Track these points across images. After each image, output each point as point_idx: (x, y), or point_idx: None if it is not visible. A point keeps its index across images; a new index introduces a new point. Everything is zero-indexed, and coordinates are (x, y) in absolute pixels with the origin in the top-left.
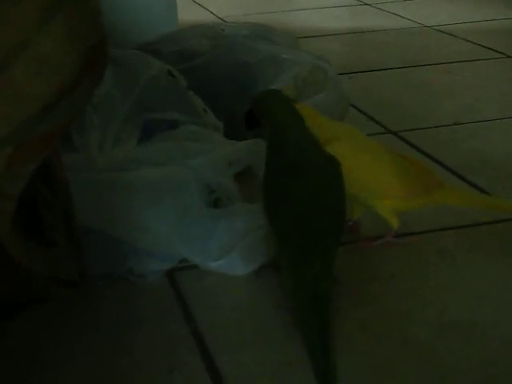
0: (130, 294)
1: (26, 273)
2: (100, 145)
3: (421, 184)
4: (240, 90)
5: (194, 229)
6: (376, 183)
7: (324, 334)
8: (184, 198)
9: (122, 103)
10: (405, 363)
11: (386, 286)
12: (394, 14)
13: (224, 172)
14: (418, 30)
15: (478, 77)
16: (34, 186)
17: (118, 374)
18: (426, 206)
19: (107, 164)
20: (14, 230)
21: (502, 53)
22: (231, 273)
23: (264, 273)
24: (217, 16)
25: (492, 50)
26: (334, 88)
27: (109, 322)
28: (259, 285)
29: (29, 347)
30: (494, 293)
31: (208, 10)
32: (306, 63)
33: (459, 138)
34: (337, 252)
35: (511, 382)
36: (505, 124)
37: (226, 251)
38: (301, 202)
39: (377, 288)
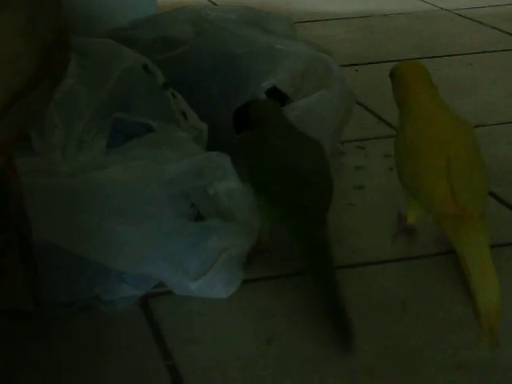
0: (97, 324)
1: None
2: (63, 148)
3: (464, 198)
4: (228, 85)
5: (170, 244)
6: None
7: (331, 281)
8: (160, 208)
9: (89, 101)
10: None
11: (396, 317)
12: None
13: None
14: (436, 13)
15: (505, 70)
16: None
17: None
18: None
19: (71, 170)
20: None
21: None
22: (211, 296)
23: (248, 297)
24: None
25: None
26: (336, 84)
27: (70, 359)
28: (243, 312)
29: None
30: None
31: None
32: (305, 55)
33: (480, 143)
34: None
35: None
36: None
37: (206, 270)
38: (282, 155)
39: (386, 319)
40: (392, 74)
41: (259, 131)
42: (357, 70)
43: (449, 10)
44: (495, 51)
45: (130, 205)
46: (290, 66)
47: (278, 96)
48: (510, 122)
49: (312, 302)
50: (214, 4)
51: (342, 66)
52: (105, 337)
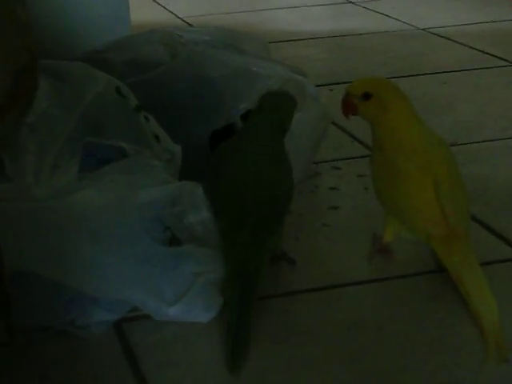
0: (72, 349)
1: None
2: (36, 173)
3: (454, 219)
4: (203, 108)
5: (145, 269)
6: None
7: (242, 309)
8: (134, 233)
9: (63, 124)
10: None
11: (373, 339)
12: (383, 14)
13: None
14: (411, 33)
15: (480, 89)
16: None
17: None
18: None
19: (45, 194)
20: None
21: (507, 60)
22: (190, 320)
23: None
24: (177, 16)
25: (496, 57)
26: (311, 105)
27: None
28: (222, 336)
29: None
30: None
31: (167, 10)
32: (280, 76)
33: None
34: (280, 229)
35: None
36: (509, 145)
37: (182, 294)
38: (239, 178)
39: (362, 342)
40: (367, 95)
41: (225, 150)
42: (331, 90)
43: (423, 29)
44: (469, 69)
45: (105, 229)
46: (265, 88)
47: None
48: (484, 141)
49: (291, 325)
50: (189, 25)
51: (317, 85)
52: (79, 362)
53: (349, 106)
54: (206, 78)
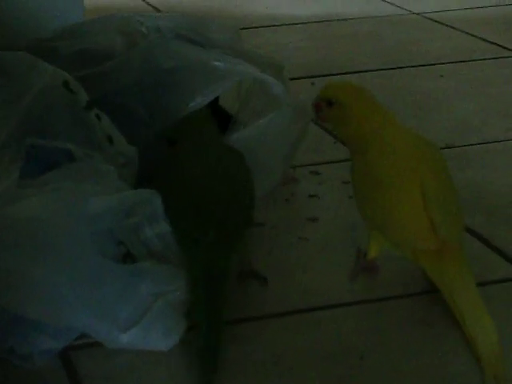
0: (10, 382)
1: None
2: None
3: (445, 231)
4: (157, 105)
5: (96, 289)
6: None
7: (212, 316)
8: (83, 248)
9: (1, 124)
10: None
11: (354, 371)
12: None
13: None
14: (403, 17)
15: (480, 82)
16: None
17: None
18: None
19: None
20: None
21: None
22: (147, 348)
23: (190, 347)
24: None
25: (500, 46)
26: (280, 108)
27: None
28: (184, 366)
29: None
30: None
31: None
32: (243, 75)
33: (452, 166)
34: (243, 234)
35: None
36: (510, 147)
37: (138, 318)
38: (197, 180)
39: (341, 373)
40: (329, 101)
41: (174, 154)
42: (313, 83)
43: (417, 14)
44: (469, 60)
45: (49, 244)
46: (224, 86)
47: (220, 116)
48: (484, 143)
49: (261, 354)
50: (156, 9)
51: (297, 78)
52: None
53: (318, 110)
54: (161, 72)
